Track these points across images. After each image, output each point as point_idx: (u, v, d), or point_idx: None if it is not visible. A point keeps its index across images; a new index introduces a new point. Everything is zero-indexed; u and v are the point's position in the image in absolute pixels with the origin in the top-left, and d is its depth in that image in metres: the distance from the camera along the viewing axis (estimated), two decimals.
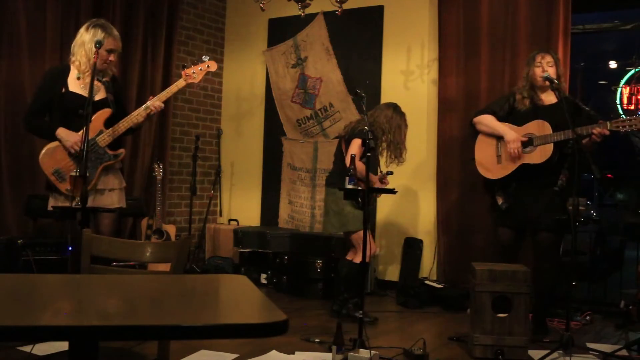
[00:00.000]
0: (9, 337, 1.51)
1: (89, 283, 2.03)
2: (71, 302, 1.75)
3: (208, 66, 3.81)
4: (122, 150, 3.69)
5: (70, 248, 4.33)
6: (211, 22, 6.72)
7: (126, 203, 3.83)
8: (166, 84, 6.04)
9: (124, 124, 3.63)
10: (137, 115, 3.63)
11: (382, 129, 4.44)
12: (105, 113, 3.61)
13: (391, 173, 4.45)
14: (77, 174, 3.15)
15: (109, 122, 3.63)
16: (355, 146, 4.36)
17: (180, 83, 3.75)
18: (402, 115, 4.56)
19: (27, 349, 3.26)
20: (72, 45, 3.63)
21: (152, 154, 5.93)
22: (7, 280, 1.97)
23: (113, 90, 3.71)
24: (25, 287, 1.87)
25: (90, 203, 3.35)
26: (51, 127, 3.58)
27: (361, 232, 4.30)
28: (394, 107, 4.56)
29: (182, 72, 3.78)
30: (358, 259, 4.38)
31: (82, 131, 3.43)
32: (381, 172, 4.48)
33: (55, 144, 3.57)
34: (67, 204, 3.46)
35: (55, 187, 3.58)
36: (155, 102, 3.66)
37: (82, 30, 3.61)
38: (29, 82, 4.94)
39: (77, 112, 3.51)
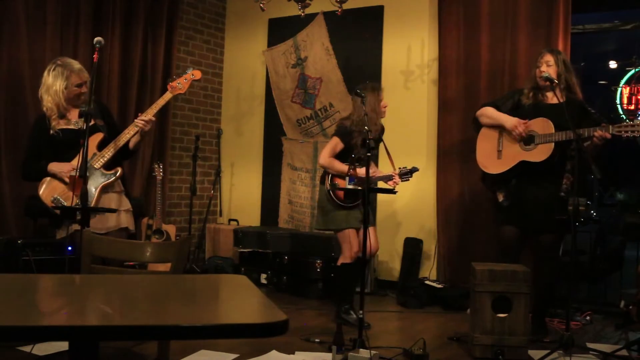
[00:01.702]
0: (9, 337, 1.51)
1: (89, 283, 2.03)
2: (71, 302, 1.75)
3: (193, 75, 3.85)
4: (117, 169, 3.66)
5: (70, 248, 4.34)
6: (211, 22, 6.72)
7: (130, 211, 3.82)
8: (166, 84, 6.04)
9: (115, 143, 3.62)
10: (128, 133, 3.64)
11: (364, 123, 4.13)
12: (97, 137, 3.63)
13: (416, 170, 4.29)
14: (77, 174, 3.15)
15: (102, 146, 3.64)
16: (331, 143, 4.36)
17: (166, 96, 3.79)
18: (367, 90, 4.29)
19: (27, 349, 3.26)
20: (39, 93, 3.65)
21: (152, 154, 5.93)
22: (7, 280, 1.97)
23: (101, 116, 3.69)
24: (25, 287, 1.87)
25: (91, 226, 3.32)
26: (44, 167, 3.63)
27: (343, 232, 4.31)
28: (355, 93, 4.20)
29: (168, 85, 3.82)
30: (340, 260, 4.36)
31: (75, 159, 3.47)
32: (400, 168, 4.29)
33: (49, 178, 3.63)
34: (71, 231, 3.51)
35: (56, 219, 3.62)
36: (143, 119, 3.65)
37: (45, 74, 3.63)
38: (29, 83, 4.94)
39: (69, 146, 3.56)
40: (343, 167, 4.25)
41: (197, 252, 6.25)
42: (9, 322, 1.39)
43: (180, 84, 3.81)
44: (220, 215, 6.77)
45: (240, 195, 6.72)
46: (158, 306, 1.73)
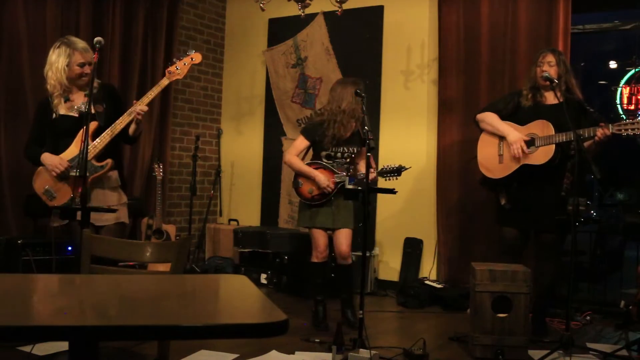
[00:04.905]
0: (9, 337, 1.51)
1: (89, 283, 2.03)
2: (71, 302, 1.75)
3: (192, 59, 3.71)
4: (108, 161, 3.55)
5: (70, 248, 4.34)
6: (211, 22, 6.71)
7: (126, 204, 3.78)
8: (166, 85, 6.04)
9: (107, 135, 3.52)
10: (121, 123, 3.53)
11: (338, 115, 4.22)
12: (91, 126, 3.49)
13: (404, 168, 4.10)
14: (77, 173, 3.14)
15: (96, 135, 3.53)
16: (296, 141, 4.32)
17: (163, 82, 3.65)
18: (347, 84, 4.31)
19: (27, 349, 3.26)
20: (45, 71, 3.59)
21: (152, 154, 5.93)
22: (7, 280, 1.97)
23: (103, 102, 3.59)
24: (25, 287, 1.87)
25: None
26: (39, 154, 3.58)
27: (310, 231, 4.31)
28: (356, 93, 4.06)
29: (166, 70, 3.69)
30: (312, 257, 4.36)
31: (66, 150, 3.51)
32: (384, 167, 4.15)
33: (41, 168, 3.59)
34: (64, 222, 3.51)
35: (45, 209, 3.59)
36: (137, 107, 3.54)
37: (50, 52, 3.59)
38: (29, 82, 4.94)
39: (67, 133, 3.52)
40: (303, 167, 4.24)
41: (197, 252, 6.25)
42: (9, 322, 1.39)
43: (178, 69, 3.67)
44: (220, 215, 6.77)
45: (240, 195, 6.72)
46: (158, 306, 1.73)
